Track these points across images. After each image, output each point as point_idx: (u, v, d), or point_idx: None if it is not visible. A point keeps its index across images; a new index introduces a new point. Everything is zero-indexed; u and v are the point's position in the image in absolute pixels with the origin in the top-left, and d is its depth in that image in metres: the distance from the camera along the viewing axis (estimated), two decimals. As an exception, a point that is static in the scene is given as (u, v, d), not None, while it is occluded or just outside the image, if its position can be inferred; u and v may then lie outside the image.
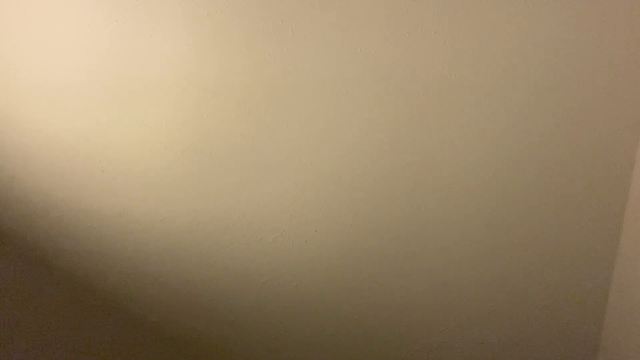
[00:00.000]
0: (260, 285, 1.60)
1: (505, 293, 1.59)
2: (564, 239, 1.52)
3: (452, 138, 1.46)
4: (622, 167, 1.45)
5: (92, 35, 1.41)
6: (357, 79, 1.43)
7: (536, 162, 1.47)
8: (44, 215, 1.55)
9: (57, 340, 1.65)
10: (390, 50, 1.40)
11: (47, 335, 1.65)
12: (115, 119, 1.47)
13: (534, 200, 1.50)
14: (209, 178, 1.51)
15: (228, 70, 1.43)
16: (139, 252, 1.58)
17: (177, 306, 1.62)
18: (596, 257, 1.54)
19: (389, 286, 1.60)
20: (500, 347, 1.64)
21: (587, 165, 1.46)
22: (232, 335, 1.65)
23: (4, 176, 1.52)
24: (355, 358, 1.67)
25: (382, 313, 1.62)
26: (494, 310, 1.61)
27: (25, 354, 1.65)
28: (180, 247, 1.57)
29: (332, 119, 1.46)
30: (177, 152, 1.49)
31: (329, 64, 1.42)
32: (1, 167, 1.52)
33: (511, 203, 1.51)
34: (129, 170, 1.51)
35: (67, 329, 1.64)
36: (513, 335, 1.63)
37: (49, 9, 1.41)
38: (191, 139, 1.48)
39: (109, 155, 1.50)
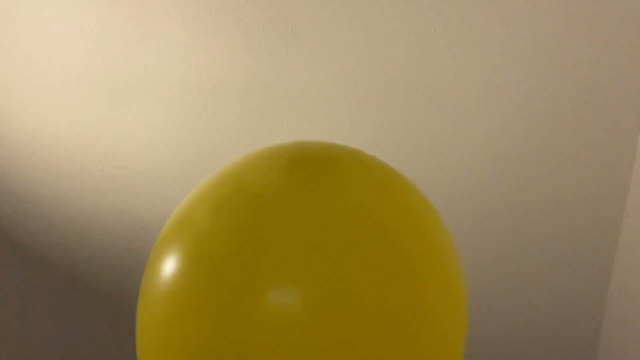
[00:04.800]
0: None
1: (503, 294, 1.59)
2: (562, 240, 1.52)
3: (451, 137, 1.46)
4: (622, 168, 1.45)
5: (91, 35, 1.41)
6: (357, 78, 1.43)
7: (536, 162, 1.47)
8: (43, 213, 1.55)
9: (57, 338, 1.65)
10: (390, 49, 1.40)
11: (48, 334, 1.65)
12: (114, 118, 1.47)
13: (533, 200, 1.50)
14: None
15: (228, 69, 1.43)
16: (139, 250, 1.58)
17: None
18: (595, 258, 1.54)
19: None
20: (498, 348, 1.64)
21: (586, 165, 1.46)
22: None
23: (3, 175, 1.52)
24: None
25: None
26: (492, 311, 1.61)
27: (26, 352, 1.66)
28: (180, 246, 1.57)
29: (332, 118, 1.46)
30: (176, 151, 1.49)
31: (329, 62, 1.42)
32: (0, 167, 1.52)
33: (510, 202, 1.51)
34: (128, 169, 1.51)
35: (67, 328, 1.65)
36: (511, 336, 1.63)
37: (48, 9, 1.40)
38: (191, 138, 1.48)
39: (108, 154, 1.50)
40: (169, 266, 0.58)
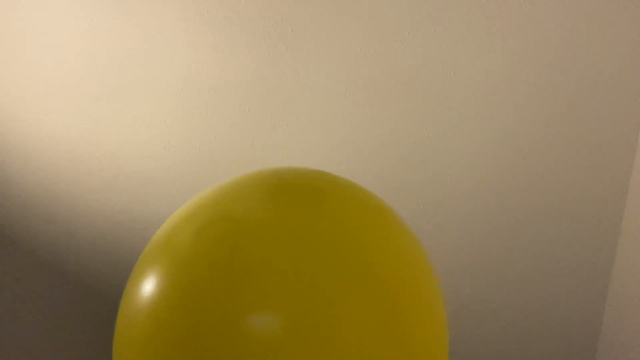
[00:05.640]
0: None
1: (503, 294, 1.59)
2: (562, 240, 1.52)
3: (451, 137, 1.46)
4: (621, 168, 1.45)
5: (91, 34, 1.41)
6: (357, 78, 1.43)
7: (535, 162, 1.47)
8: (43, 213, 1.55)
9: (56, 338, 1.65)
10: (390, 49, 1.40)
11: (47, 333, 1.65)
12: (114, 118, 1.47)
13: (533, 200, 1.49)
14: (207, 177, 1.51)
15: (227, 69, 1.43)
16: (138, 250, 1.58)
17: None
18: (594, 258, 1.53)
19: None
20: (498, 348, 1.64)
21: (586, 165, 1.46)
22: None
23: (4, 175, 1.52)
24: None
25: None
26: (492, 311, 1.61)
27: (25, 351, 1.66)
28: (180, 245, 1.57)
29: (332, 118, 1.46)
30: (176, 151, 1.49)
31: (329, 62, 1.42)
32: (1, 167, 1.51)
33: (510, 202, 1.50)
34: (128, 169, 1.51)
35: (67, 327, 1.64)
36: (511, 336, 1.63)
37: (48, 8, 1.40)
38: (190, 138, 1.48)
39: (108, 154, 1.50)
40: (147, 289, 0.57)
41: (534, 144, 1.45)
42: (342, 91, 1.43)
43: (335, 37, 1.39)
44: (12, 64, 1.44)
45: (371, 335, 0.54)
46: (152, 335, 0.55)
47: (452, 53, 1.39)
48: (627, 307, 1.47)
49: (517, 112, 1.43)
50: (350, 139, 1.47)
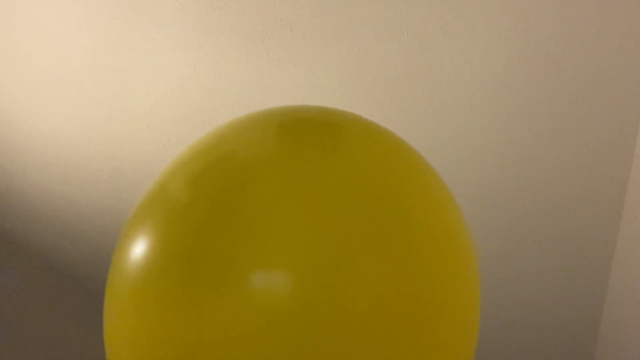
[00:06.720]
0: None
1: (502, 293, 1.59)
2: (560, 240, 1.52)
3: (449, 137, 1.46)
4: (620, 168, 1.45)
5: (90, 34, 1.41)
6: (355, 77, 1.43)
7: (534, 162, 1.46)
8: (42, 213, 1.55)
9: (57, 338, 1.66)
10: (389, 49, 1.40)
11: (48, 333, 1.65)
12: (113, 118, 1.47)
13: (531, 200, 1.49)
14: (207, 177, 1.52)
15: (226, 69, 1.43)
16: (138, 250, 1.58)
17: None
18: (593, 258, 1.53)
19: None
20: (497, 347, 1.64)
21: (585, 165, 1.46)
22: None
23: (4, 175, 1.53)
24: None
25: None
26: (490, 311, 1.60)
27: (26, 351, 1.66)
28: (179, 245, 1.57)
29: (331, 118, 1.46)
30: (175, 151, 1.49)
31: (327, 62, 1.42)
32: (0, 167, 1.52)
33: (508, 203, 1.50)
34: (127, 169, 1.51)
35: (67, 327, 1.65)
36: (510, 335, 1.62)
37: (47, 8, 1.40)
38: (189, 138, 1.48)
39: (107, 154, 1.50)
40: (138, 245, 0.49)
41: (534, 143, 1.45)
42: (341, 91, 1.43)
43: (333, 37, 1.39)
44: (13, 64, 1.45)
45: (394, 300, 0.47)
46: (144, 297, 0.48)
47: (451, 53, 1.39)
48: (625, 307, 1.47)
49: (517, 111, 1.43)
50: (349, 138, 1.47)
